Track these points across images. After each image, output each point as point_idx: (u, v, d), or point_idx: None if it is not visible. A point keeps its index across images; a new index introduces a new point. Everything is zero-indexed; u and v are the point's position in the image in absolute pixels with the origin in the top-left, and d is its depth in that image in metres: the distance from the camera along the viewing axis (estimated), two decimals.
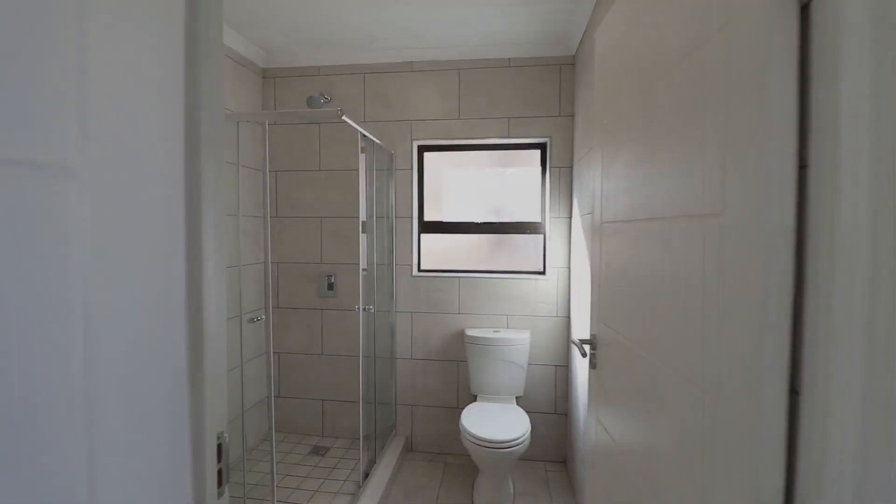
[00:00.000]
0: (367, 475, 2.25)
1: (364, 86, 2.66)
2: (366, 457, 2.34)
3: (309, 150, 2.72)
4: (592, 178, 1.40)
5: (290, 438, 2.74)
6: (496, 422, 2.16)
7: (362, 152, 2.18)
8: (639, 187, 0.99)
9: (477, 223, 2.70)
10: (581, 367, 2.14)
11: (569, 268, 2.54)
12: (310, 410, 2.80)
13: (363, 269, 2.17)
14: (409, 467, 2.52)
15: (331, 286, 2.73)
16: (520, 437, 2.02)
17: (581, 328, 2.14)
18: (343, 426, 2.77)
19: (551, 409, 2.59)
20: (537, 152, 2.67)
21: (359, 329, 2.13)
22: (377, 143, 2.38)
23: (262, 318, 1.94)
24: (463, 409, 2.58)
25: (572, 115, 2.52)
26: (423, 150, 2.73)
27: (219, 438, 0.65)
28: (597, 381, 1.32)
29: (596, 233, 1.34)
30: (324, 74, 2.68)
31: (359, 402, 2.16)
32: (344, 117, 1.81)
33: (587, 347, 1.34)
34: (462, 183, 2.74)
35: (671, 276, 0.83)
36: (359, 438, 2.15)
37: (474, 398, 2.54)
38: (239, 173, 1.91)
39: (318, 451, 2.61)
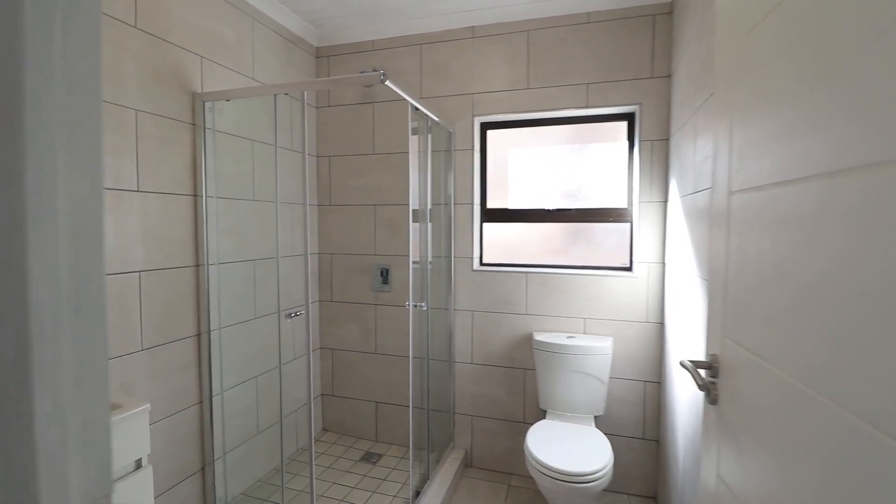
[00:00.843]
0: (418, 493, 2.00)
1: (421, 58, 2.39)
2: (417, 471, 2.09)
3: (363, 133, 2.51)
4: (715, 137, 0.99)
5: (343, 441, 2.58)
6: (570, 447, 1.79)
7: (413, 133, 1.92)
8: (817, 122, 0.60)
9: (548, 210, 2.32)
10: (680, 385, 1.70)
11: (663, 263, 2.08)
12: (363, 412, 2.61)
13: (414, 263, 1.91)
14: (466, 487, 2.23)
15: (385, 280, 2.51)
16: (599, 471, 1.64)
17: (682, 339, 1.70)
18: (397, 432, 2.55)
19: (639, 434, 2.15)
20: (623, 124, 2.22)
21: (409, 327, 1.87)
22: (433, 120, 2.10)
23: (301, 314, 1.76)
24: (530, 425, 2.24)
25: (669, 76, 2.05)
26: (485, 127, 2.40)
27: None
28: (718, 421, 0.92)
29: (719, 212, 0.94)
30: (378, 49, 2.46)
31: (409, 407, 1.90)
32: (388, 83, 1.55)
33: (703, 373, 0.94)
34: (531, 164, 2.38)
35: None
36: (412, 449, 1.90)
37: (543, 414, 2.18)
38: (277, 155, 1.73)
39: (369, 458, 2.41)
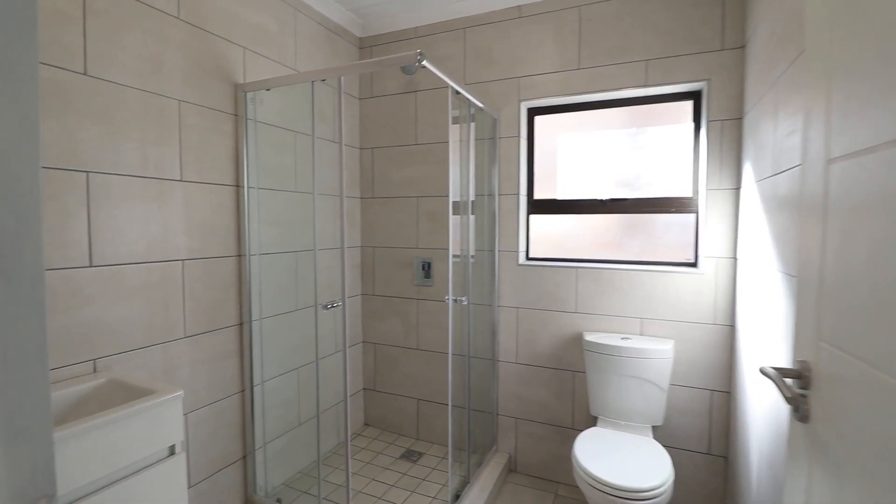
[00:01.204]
0: (458, 496, 1.90)
1: (464, 42, 2.29)
2: (457, 473, 2.00)
3: (405, 124, 2.46)
4: (806, 99, 0.82)
5: (384, 437, 2.54)
6: (624, 459, 1.62)
7: (454, 122, 1.82)
8: None
9: (602, 201, 2.14)
10: (755, 396, 1.49)
11: (734, 257, 1.85)
12: (404, 409, 2.56)
13: (454, 256, 1.82)
14: (509, 493, 2.10)
15: (428, 274, 2.44)
16: (658, 487, 1.47)
17: (758, 343, 1.48)
18: (438, 431, 2.47)
19: (703, 448, 1.93)
20: (688, 104, 2.00)
21: (449, 323, 1.78)
22: (477, 106, 2.00)
23: (337, 305, 1.72)
24: (579, 431, 2.08)
25: (742, 47, 1.81)
26: (533, 113, 2.26)
27: None
28: (810, 443, 0.75)
29: (813, 190, 0.77)
30: (421, 35, 2.39)
31: (448, 405, 1.81)
32: (426, 63, 1.47)
33: (790, 383, 0.78)
34: (582, 151, 2.21)
35: None
36: (453, 450, 1.81)
37: (594, 421, 2.01)
38: (314, 145, 1.71)
39: (409, 455, 2.35)
